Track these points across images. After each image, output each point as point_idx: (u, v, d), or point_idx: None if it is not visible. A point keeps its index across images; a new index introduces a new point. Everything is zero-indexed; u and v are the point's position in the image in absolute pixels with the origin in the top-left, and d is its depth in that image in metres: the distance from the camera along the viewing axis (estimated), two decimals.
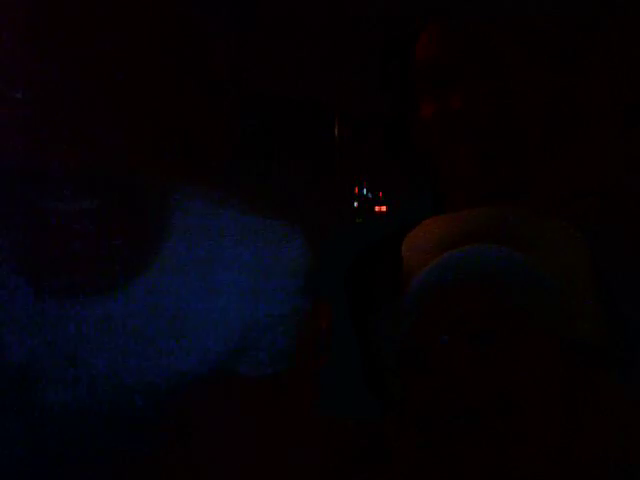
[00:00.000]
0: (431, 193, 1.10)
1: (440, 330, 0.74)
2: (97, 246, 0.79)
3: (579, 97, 1.02)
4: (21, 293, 0.85)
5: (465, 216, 0.84)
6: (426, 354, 0.74)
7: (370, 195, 2.40)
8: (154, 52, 0.74)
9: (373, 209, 2.39)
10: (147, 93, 0.74)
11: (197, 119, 0.82)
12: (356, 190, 2.41)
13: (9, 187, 0.76)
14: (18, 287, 0.85)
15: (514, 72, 0.99)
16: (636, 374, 0.87)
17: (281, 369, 0.93)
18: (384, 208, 2.36)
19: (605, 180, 1.03)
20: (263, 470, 0.83)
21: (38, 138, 0.71)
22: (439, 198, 1.07)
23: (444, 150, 1.03)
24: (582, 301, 0.78)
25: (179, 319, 0.88)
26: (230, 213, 0.93)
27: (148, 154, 0.75)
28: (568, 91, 1.01)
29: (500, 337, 0.73)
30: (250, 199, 0.97)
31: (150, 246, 0.87)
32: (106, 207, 0.75)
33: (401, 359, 0.78)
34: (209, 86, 0.84)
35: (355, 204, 2.41)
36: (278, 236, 0.95)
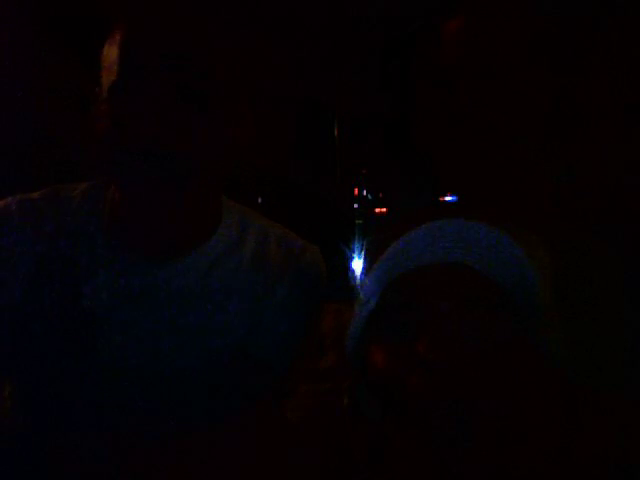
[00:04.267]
0: (431, 193, 1.10)
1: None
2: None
3: (579, 97, 1.02)
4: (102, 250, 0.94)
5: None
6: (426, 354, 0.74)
7: (370, 196, 2.40)
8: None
9: (373, 210, 2.39)
10: None
11: None
12: (356, 191, 2.41)
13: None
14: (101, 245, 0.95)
15: (514, 72, 0.99)
16: (636, 374, 0.87)
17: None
18: (384, 210, 2.36)
19: (605, 180, 1.03)
20: (264, 470, 0.84)
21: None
22: (439, 197, 1.07)
23: (444, 150, 1.03)
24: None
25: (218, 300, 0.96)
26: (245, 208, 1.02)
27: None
28: (568, 91, 1.01)
29: (500, 334, 0.72)
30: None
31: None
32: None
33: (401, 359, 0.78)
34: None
35: (355, 205, 2.41)
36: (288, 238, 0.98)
